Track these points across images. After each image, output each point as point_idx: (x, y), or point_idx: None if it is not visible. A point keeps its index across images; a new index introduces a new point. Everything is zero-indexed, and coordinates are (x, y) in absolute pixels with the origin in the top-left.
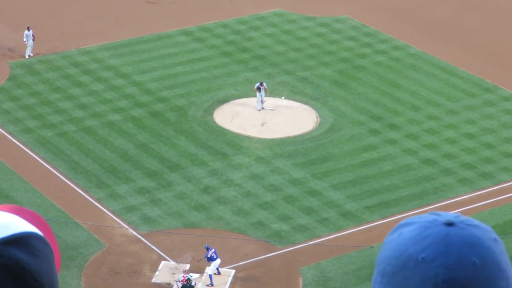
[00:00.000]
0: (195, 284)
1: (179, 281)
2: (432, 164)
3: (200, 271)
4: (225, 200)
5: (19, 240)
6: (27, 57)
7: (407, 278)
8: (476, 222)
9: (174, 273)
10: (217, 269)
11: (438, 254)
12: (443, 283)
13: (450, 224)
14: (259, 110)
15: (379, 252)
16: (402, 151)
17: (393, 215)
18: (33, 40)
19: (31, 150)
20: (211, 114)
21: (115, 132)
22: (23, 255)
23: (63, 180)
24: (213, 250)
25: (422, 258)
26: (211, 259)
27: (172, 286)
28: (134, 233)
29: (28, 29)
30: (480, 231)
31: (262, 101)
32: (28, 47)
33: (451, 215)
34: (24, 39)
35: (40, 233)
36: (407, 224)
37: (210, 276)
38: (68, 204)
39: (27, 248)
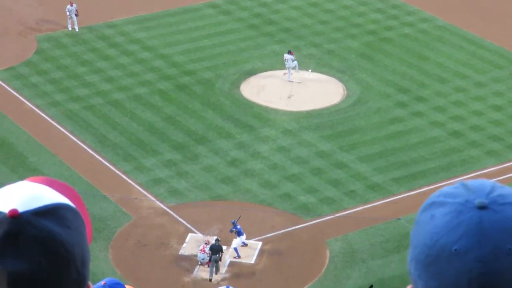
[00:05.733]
0: (220, 250)
1: (200, 251)
2: (459, 136)
3: (227, 244)
4: (252, 173)
5: (51, 211)
6: (70, 29)
7: (442, 271)
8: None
9: (201, 245)
10: (243, 242)
11: (471, 246)
12: (478, 278)
13: (482, 207)
14: (288, 79)
15: (412, 228)
16: (429, 124)
17: (420, 187)
18: (77, 15)
19: (59, 123)
20: (238, 87)
21: (142, 105)
22: (55, 226)
23: (90, 153)
24: (238, 226)
25: (455, 250)
26: (239, 233)
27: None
28: (161, 205)
29: (71, 3)
30: None
31: (290, 72)
32: (69, 20)
33: (483, 192)
34: (67, 13)
35: (72, 204)
36: (439, 204)
37: (235, 249)
38: (95, 177)
39: (59, 219)
